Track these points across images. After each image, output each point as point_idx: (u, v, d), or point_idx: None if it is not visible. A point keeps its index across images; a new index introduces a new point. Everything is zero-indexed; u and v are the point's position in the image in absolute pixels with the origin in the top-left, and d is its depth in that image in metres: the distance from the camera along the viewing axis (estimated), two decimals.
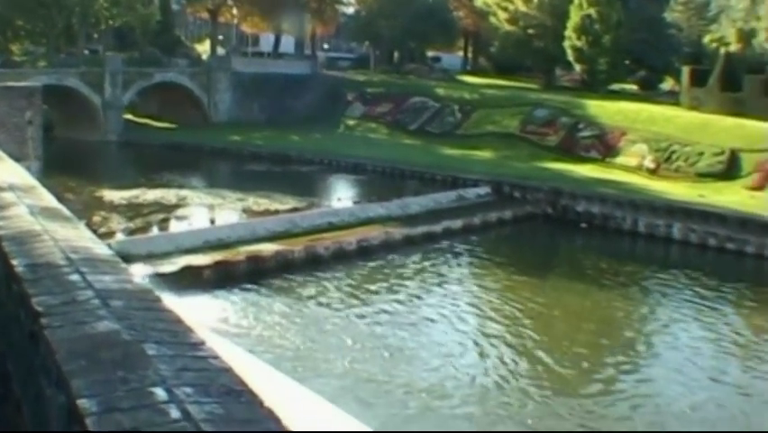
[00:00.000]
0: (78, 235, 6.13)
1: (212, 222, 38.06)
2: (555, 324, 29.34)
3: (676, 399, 23.00)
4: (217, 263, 29.21)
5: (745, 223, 39.36)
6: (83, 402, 2.98)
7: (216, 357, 3.57)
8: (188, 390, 3.12)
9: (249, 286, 28.61)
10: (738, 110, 53.59)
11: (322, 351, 23.55)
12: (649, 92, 69.87)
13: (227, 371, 3.41)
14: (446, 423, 19.83)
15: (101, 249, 5.70)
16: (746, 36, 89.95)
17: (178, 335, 3.84)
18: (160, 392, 3.08)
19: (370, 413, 18.66)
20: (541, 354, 25.14)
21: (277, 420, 3.00)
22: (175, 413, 2.92)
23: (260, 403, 3.12)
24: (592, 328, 29.29)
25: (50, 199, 7.37)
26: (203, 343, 3.71)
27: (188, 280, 27.75)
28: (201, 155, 51.66)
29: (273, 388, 15.16)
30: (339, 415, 15.91)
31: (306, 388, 17.17)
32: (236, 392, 3.18)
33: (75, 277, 4.67)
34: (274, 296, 28.05)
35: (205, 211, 40.32)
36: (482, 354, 24.61)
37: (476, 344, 25.61)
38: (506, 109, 58.19)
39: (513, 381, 23.09)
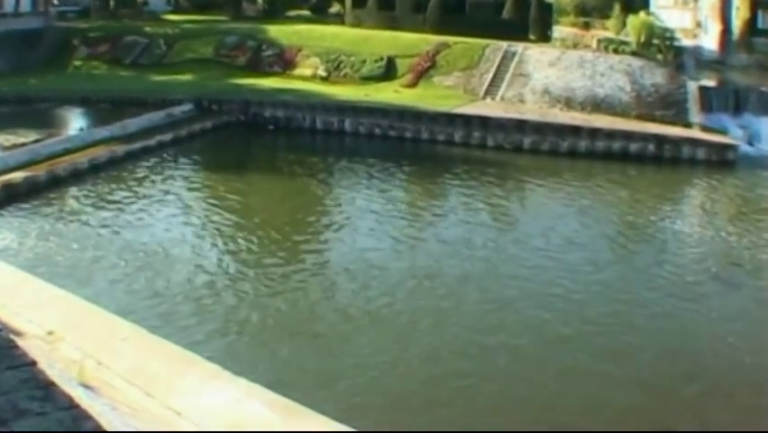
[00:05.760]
0: None
1: None
2: (257, 210, 30.23)
3: (355, 245, 25.38)
4: None
5: (403, 114, 41.61)
6: None
7: None
8: None
9: (6, 210, 28.04)
10: (393, 25, 55.82)
11: (79, 259, 23.49)
12: (320, 15, 71.44)
13: None
14: (201, 302, 20.52)
15: None
16: None
17: None
18: None
19: (136, 310, 18.73)
20: (249, 233, 26.27)
21: None
22: None
23: None
24: (287, 210, 30.47)
25: None
26: None
27: None
28: None
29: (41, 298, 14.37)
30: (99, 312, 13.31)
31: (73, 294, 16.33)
32: None
33: None
34: (28, 216, 27.48)
35: None
36: (208, 242, 25.55)
37: (200, 232, 26.54)
38: (202, 39, 57.97)
39: (232, 257, 24.26)
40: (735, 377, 17.67)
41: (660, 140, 38.46)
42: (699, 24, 57.16)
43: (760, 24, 52.94)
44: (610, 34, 50.98)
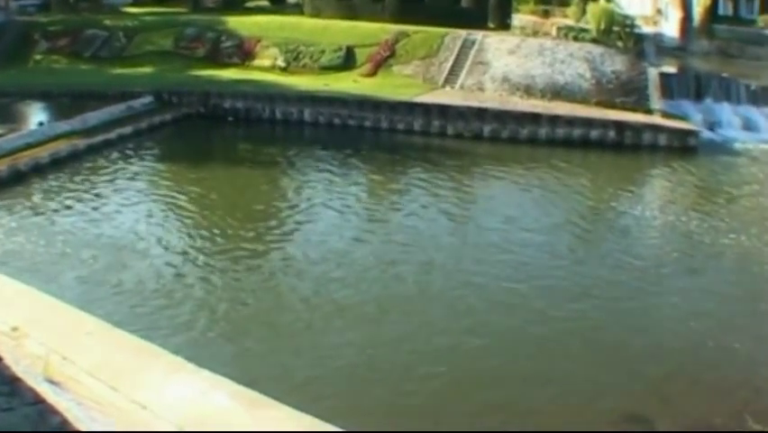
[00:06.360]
0: None
1: None
2: (219, 201, 30.06)
3: (317, 234, 25.49)
4: None
5: (362, 103, 41.79)
6: None
7: None
8: None
9: None
10: (352, 14, 55.74)
11: (42, 254, 23.36)
12: (279, 6, 71.25)
13: None
14: (163, 295, 20.60)
15: None
16: None
17: None
18: None
19: (99, 303, 18.82)
20: (211, 225, 26.33)
21: None
22: None
23: None
24: (248, 200, 30.51)
25: None
26: None
27: None
28: None
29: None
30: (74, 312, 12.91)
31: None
32: None
33: None
34: None
35: None
36: (170, 234, 25.53)
37: (162, 225, 26.57)
38: (161, 31, 57.67)
39: (194, 248, 24.20)
40: (701, 366, 18.03)
41: (621, 126, 38.88)
42: (659, 11, 57.76)
43: (720, 11, 53.75)
44: (570, 22, 51.36)
